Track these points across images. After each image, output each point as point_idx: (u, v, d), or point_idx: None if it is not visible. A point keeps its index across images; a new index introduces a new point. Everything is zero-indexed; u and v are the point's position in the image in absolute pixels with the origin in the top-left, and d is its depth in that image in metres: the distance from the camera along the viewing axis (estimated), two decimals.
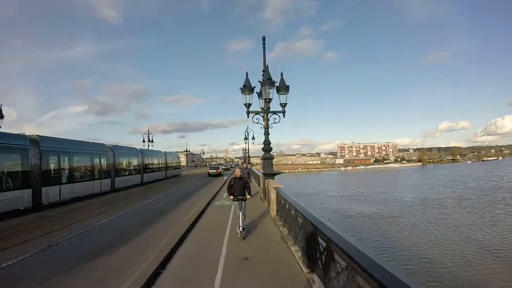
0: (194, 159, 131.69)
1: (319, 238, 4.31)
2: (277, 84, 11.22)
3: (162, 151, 34.48)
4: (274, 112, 11.70)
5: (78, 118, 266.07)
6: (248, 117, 11.92)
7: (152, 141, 36.77)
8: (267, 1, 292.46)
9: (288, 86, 11.27)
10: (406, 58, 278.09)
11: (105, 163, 19.08)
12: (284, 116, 11.68)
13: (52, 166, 14.11)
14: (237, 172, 8.12)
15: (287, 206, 7.31)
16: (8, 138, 11.99)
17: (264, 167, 12.16)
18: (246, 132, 36.84)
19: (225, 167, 58.16)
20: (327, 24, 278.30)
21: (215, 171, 38.59)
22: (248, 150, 44.64)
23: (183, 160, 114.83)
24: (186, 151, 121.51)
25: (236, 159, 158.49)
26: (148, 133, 37.12)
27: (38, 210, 12.30)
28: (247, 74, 11.61)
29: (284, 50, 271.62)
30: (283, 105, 11.47)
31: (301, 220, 5.47)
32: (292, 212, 6.48)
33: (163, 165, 32.25)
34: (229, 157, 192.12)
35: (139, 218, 10.85)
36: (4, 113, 17.53)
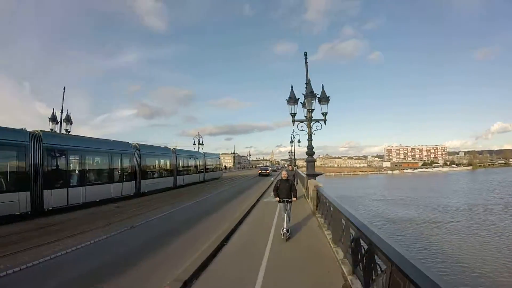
0: (240, 161, 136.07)
1: (342, 220, 5.92)
2: (318, 96, 12.76)
3: (201, 151, 33.53)
4: (317, 120, 13.16)
5: (128, 121, 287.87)
6: (293, 125, 13.68)
7: (202, 144, 39.59)
8: (308, 3, 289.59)
9: (329, 97, 12.72)
10: (454, 53, 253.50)
11: (128, 163, 17.45)
12: (325, 123, 13.06)
13: (57, 166, 12.65)
14: (284, 174, 8.47)
15: (323, 200, 8.93)
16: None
17: (308, 169, 13.80)
18: (292, 136, 38.29)
19: (272, 168, 61.72)
20: (371, 23, 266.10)
21: (264, 171, 44.90)
22: (294, 152, 45.98)
23: (230, 162, 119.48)
24: (233, 153, 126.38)
25: (282, 161, 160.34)
26: (199, 136, 40.03)
27: (38, 216, 11.08)
28: (292, 87, 13.19)
29: (328, 52, 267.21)
30: (324, 114, 12.95)
31: (332, 209, 7.08)
32: (327, 204, 8.11)
33: (201, 167, 30.39)
34: (275, 159, 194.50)
35: (160, 230, 9.39)
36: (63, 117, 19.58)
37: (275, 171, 57.20)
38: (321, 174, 14.81)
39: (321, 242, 7.24)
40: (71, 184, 13.08)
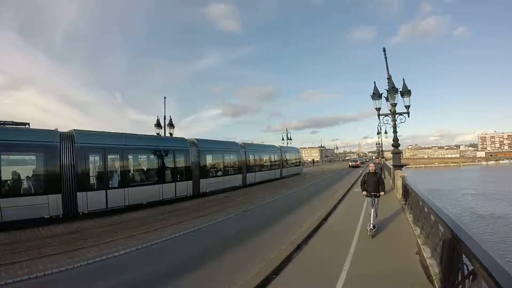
0: (327, 154, 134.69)
1: (419, 202, 7.03)
2: (400, 90, 13.29)
3: (276, 145, 31.33)
4: (400, 113, 13.79)
5: (214, 120, 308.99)
6: (378, 119, 14.62)
7: (290, 138, 41.60)
8: None
9: (410, 90, 13.26)
10: None
11: (183, 161, 15.94)
12: (408, 116, 13.67)
13: (93, 167, 11.95)
14: (371, 167, 8.24)
15: (407, 188, 9.95)
16: (25, 135, 10.28)
17: (394, 160, 14.57)
18: (379, 127, 37.02)
19: (360, 161, 68.42)
20: None
21: (354, 163, 53.75)
22: (382, 144, 44.21)
23: (316, 156, 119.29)
24: (320, 146, 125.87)
25: (370, 153, 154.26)
26: (287, 131, 42.21)
27: (72, 219, 10.69)
28: (375, 83, 14.22)
29: (409, 32, 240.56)
30: (407, 107, 13.43)
31: (413, 194, 8.21)
32: (410, 191, 9.18)
33: (276, 163, 28.20)
34: (362, 151, 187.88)
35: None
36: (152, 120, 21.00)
37: (363, 163, 61.57)
38: (406, 165, 15.23)
39: (403, 223, 8.64)
40: (110, 186, 12.25)
